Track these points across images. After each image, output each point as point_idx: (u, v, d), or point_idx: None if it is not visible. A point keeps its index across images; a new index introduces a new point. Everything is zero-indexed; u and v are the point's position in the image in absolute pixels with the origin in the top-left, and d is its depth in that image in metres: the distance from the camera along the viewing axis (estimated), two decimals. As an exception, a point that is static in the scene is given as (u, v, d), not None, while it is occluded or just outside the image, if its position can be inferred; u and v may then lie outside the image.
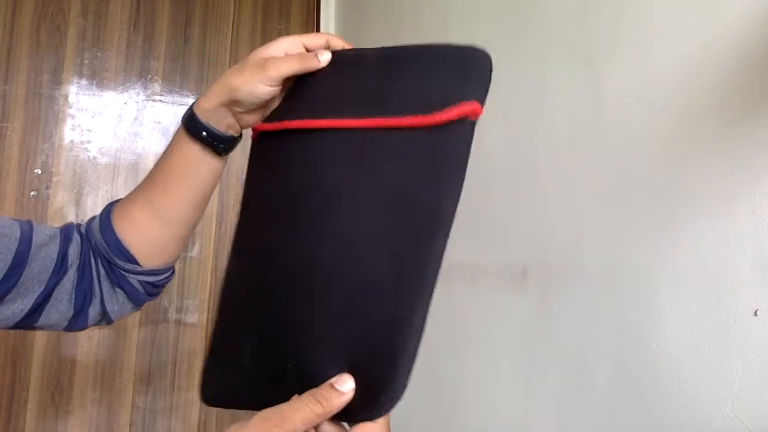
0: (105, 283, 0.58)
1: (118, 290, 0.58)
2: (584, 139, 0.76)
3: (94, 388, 1.47)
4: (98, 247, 0.57)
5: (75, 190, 1.50)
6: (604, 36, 0.74)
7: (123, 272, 0.57)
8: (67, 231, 0.57)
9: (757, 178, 0.54)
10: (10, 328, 0.53)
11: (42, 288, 0.52)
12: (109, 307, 0.58)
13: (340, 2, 1.82)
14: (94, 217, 0.60)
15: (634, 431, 0.65)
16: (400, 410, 0.38)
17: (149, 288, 0.60)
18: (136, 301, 0.60)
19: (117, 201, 0.60)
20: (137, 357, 1.52)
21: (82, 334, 1.47)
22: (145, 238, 0.58)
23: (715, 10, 0.60)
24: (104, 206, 0.60)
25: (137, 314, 1.53)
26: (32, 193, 1.45)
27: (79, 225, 0.60)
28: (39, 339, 1.43)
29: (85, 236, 0.58)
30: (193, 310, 1.59)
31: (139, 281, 0.58)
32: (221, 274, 0.53)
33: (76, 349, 1.46)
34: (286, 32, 1.78)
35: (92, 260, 0.58)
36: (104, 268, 0.58)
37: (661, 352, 0.63)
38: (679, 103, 0.63)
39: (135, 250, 0.57)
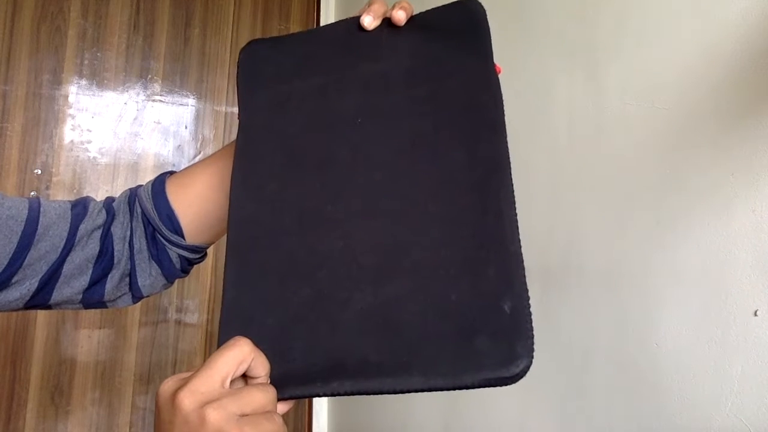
0: (140, 256, 0.56)
1: (154, 264, 0.57)
2: (584, 139, 0.76)
3: (94, 388, 1.47)
4: (145, 215, 0.56)
5: (75, 190, 1.50)
6: (604, 36, 0.74)
7: (166, 243, 0.56)
8: (80, 206, 0.55)
9: (756, 178, 0.54)
10: (25, 308, 0.53)
11: (48, 267, 0.51)
12: (141, 282, 0.57)
13: (340, 2, 1.82)
14: (139, 186, 0.59)
15: (634, 431, 0.65)
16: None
17: (185, 264, 0.59)
18: (169, 277, 0.59)
19: (170, 172, 0.59)
20: (137, 357, 1.52)
21: (83, 334, 1.47)
22: (201, 210, 0.56)
23: (715, 11, 0.60)
24: (155, 176, 0.59)
25: (137, 314, 1.53)
26: (32, 193, 1.45)
27: (110, 199, 0.58)
28: (39, 339, 1.43)
29: (123, 207, 0.57)
30: (193, 310, 1.59)
31: (178, 255, 0.57)
32: (221, 274, 0.52)
33: (76, 349, 1.46)
34: (286, 32, 1.78)
35: (128, 232, 0.56)
36: (146, 238, 0.56)
37: (661, 352, 0.63)
38: (678, 103, 0.63)
39: (185, 223, 0.56)
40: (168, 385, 0.36)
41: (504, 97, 0.47)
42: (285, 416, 0.39)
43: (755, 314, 0.53)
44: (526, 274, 0.40)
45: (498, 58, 0.49)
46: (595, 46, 0.76)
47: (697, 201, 0.60)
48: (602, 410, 0.70)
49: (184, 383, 0.35)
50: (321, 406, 1.64)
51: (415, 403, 1.10)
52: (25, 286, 0.51)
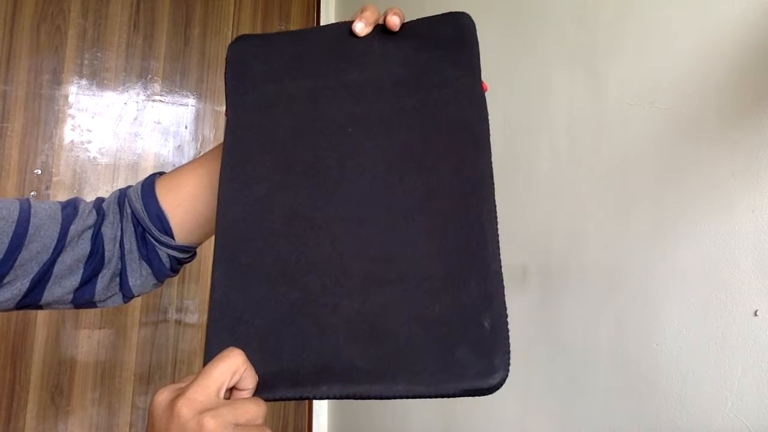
0: (131, 256, 0.57)
1: (144, 264, 0.58)
2: (584, 139, 0.76)
3: (94, 388, 1.47)
4: (135, 216, 0.57)
5: (75, 190, 1.50)
6: (604, 36, 0.74)
7: (156, 243, 0.57)
8: (70, 207, 0.56)
9: (757, 178, 0.54)
10: (16, 308, 0.53)
11: (39, 267, 0.52)
12: (132, 282, 0.57)
13: (340, 2, 1.82)
14: (129, 187, 0.59)
15: (634, 431, 0.65)
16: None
17: (174, 264, 0.59)
18: (159, 276, 0.59)
19: (160, 173, 0.60)
20: (137, 357, 1.52)
21: (83, 334, 1.47)
22: (191, 211, 0.57)
23: (715, 11, 0.60)
24: (145, 177, 0.59)
25: (137, 314, 1.53)
26: (32, 193, 1.45)
27: (100, 199, 0.58)
28: (39, 339, 1.43)
29: (113, 208, 0.57)
30: (193, 310, 1.59)
31: (168, 255, 0.58)
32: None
33: (76, 349, 1.46)
34: (286, 32, 1.78)
35: (119, 232, 0.57)
36: (136, 239, 0.57)
37: (661, 352, 0.63)
38: (679, 103, 0.63)
39: (175, 224, 0.57)
40: (164, 395, 0.37)
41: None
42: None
43: (755, 314, 0.53)
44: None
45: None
46: (595, 46, 0.76)
47: (697, 201, 0.60)
48: (602, 410, 0.70)
49: (181, 392, 0.36)
50: (321, 406, 1.64)
51: (415, 403, 1.10)
52: (16, 286, 0.51)
